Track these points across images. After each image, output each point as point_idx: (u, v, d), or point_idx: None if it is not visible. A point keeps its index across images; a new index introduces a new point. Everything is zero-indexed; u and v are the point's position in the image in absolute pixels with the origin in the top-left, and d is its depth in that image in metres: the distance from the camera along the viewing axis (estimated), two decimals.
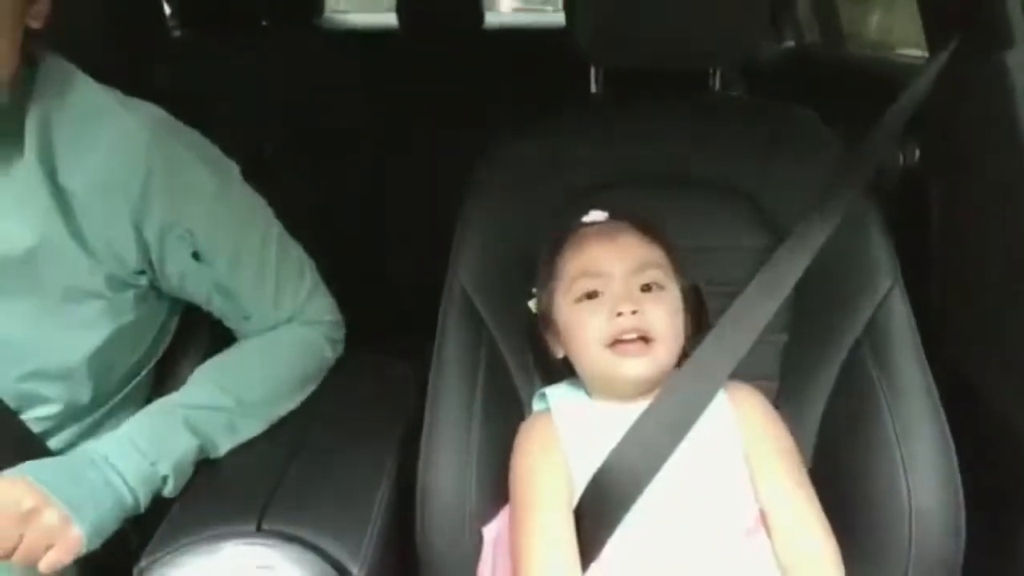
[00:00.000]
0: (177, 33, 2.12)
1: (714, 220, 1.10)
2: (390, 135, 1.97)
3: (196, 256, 0.92)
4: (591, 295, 0.93)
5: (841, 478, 0.96)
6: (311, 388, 1.03)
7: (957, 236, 1.09)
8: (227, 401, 0.93)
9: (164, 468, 0.86)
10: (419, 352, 1.04)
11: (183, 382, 0.95)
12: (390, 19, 2.34)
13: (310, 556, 0.80)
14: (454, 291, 1.03)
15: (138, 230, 0.89)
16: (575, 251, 0.96)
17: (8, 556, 0.78)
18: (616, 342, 0.91)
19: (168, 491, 0.87)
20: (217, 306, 0.98)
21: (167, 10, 2.06)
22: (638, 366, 0.91)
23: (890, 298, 1.00)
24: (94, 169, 0.87)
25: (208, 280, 0.95)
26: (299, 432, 0.97)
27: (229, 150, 0.99)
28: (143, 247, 0.90)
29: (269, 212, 1.01)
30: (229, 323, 1.01)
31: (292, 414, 0.99)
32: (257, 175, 1.01)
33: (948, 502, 0.91)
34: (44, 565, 0.79)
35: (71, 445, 0.95)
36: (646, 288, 0.93)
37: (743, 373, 0.94)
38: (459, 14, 2.23)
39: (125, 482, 0.84)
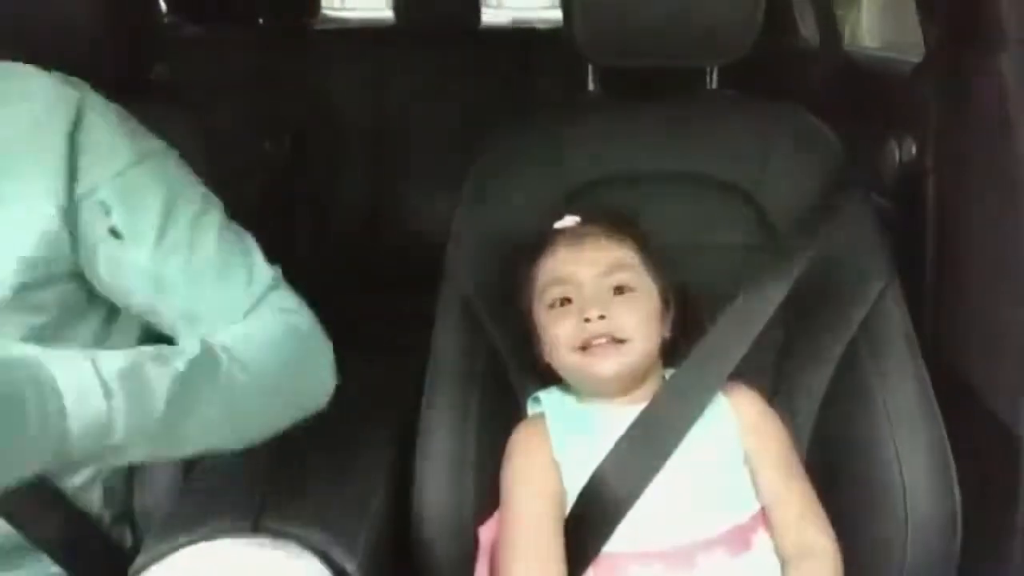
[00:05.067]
0: (174, 30, 2.12)
1: (712, 218, 1.10)
2: (387, 133, 1.97)
3: (114, 233, 0.83)
4: (562, 301, 0.94)
5: (837, 475, 0.96)
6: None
7: (953, 235, 1.09)
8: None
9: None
10: (417, 351, 1.04)
11: None
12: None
13: (307, 555, 0.79)
14: (451, 290, 1.03)
15: (65, 191, 0.82)
16: (545, 258, 0.98)
17: None
18: (586, 345, 0.92)
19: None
20: (151, 302, 0.85)
21: (163, 7, 2.07)
22: (609, 365, 0.91)
23: (886, 296, 1.00)
24: (23, 121, 0.81)
25: (132, 265, 0.84)
26: (295, 430, 0.97)
27: (228, 147, 0.98)
28: (64, 211, 0.82)
29: (211, 199, 0.89)
30: (173, 331, 0.87)
31: None
32: (256, 172, 1.01)
33: (944, 500, 0.91)
34: None
35: None
36: (617, 290, 0.93)
37: (740, 370, 0.94)
38: (456, 12, 2.23)
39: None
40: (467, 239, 1.06)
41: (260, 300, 0.86)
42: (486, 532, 0.94)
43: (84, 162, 0.82)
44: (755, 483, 0.92)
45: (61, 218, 0.81)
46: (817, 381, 1.01)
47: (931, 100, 1.09)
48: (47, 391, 0.61)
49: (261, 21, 2.24)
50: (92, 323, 0.89)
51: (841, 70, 1.76)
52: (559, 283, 0.95)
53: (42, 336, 0.82)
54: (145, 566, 0.79)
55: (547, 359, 0.97)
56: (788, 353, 1.05)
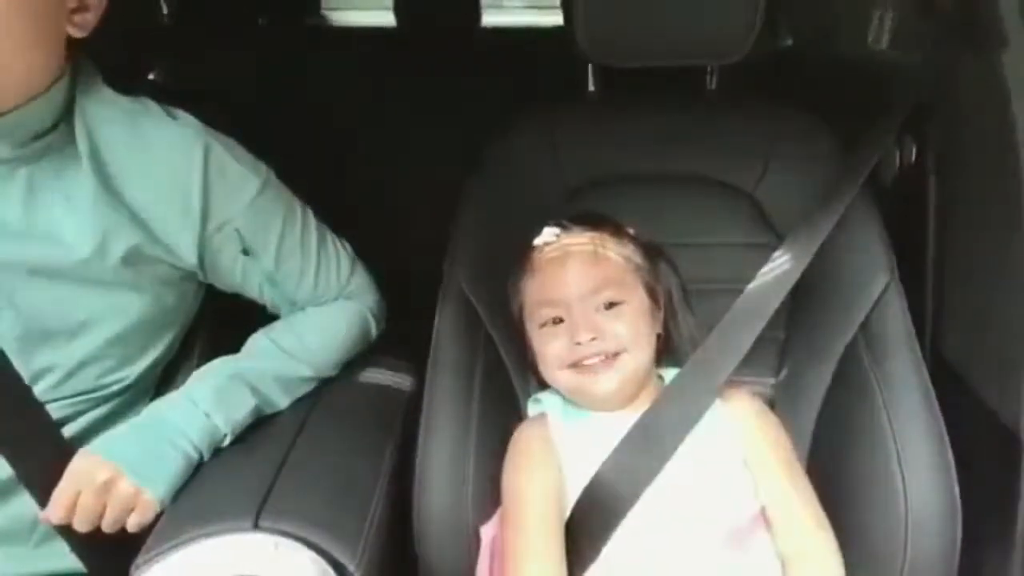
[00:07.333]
0: (173, 31, 2.11)
1: (713, 218, 1.10)
2: (387, 134, 1.97)
3: (245, 252, 0.97)
4: (554, 320, 0.95)
5: (838, 475, 0.96)
6: (355, 354, 1.08)
7: (953, 234, 1.09)
8: (283, 360, 0.99)
9: (225, 427, 0.92)
10: (418, 351, 1.04)
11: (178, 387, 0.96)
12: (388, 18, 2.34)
13: (307, 553, 0.79)
14: (451, 291, 1.03)
15: (201, 229, 0.93)
16: (532, 278, 0.98)
17: (95, 525, 0.85)
18: (579, 364, 0.92)
19: (226, 443, 0.93)
20: (267, 295, 1.03)
21: (164, 9, 2.06)
22: (604, 382, 0.92)
23: (886, 295, 1.00)
24: (153, 173, 0.90)
25: (258, 273, 1.00)
26: (296, 430, 0.97)
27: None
28: (201, 245, 0.94)
29: (301, 203, 1.04)
30: (278, 310, 1.05)
31: (290, 411, 0.99)
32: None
33: (943, 499, 0.91)
34: (131, 526, 0.86)
35: (93, 430, 0.96)
36: (607, 305, 0.93)
37: (741, 370, 0.95)
38: (456, 13, 2.23)
39: (192, 443, 0.89)
40: (467, 241, 1.07)
41: (345, 284, 1.06)
42: (488, 531, 0.94)
43: (216, 197, 0.93)
44: (755, 484, 0.92)
45: (198, 258, 0.94)
46: (818, 381, 1.01)
47: (931, 100, 1.09)
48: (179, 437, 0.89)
49: (261, 21, 2.23)
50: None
51: (841, 70, 1.76)
52: (548, 304, 0.95)
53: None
54: (147, 564, 0.79)
55: (541, 374, 0.97)
56: (789, 353, 1.05)
